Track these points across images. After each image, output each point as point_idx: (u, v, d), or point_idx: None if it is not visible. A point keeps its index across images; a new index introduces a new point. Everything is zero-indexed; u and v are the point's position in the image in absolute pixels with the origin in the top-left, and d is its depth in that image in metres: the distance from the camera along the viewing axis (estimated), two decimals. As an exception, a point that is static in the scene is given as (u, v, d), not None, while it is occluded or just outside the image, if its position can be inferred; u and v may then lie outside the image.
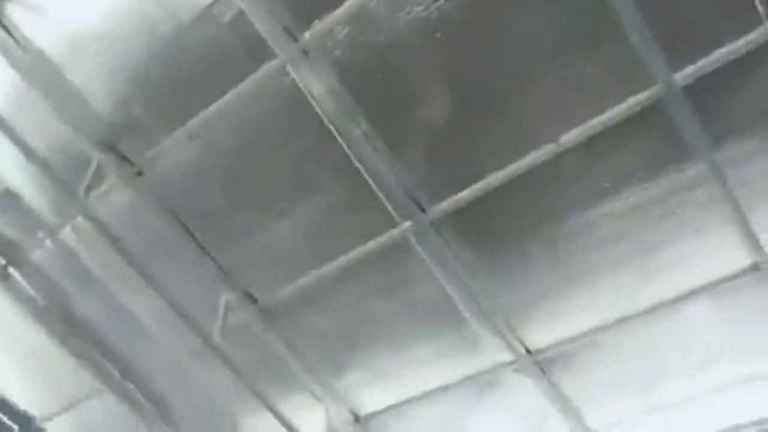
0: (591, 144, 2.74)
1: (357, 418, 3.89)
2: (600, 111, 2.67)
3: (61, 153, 3.24)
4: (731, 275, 2.97)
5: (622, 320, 3.20)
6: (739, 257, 2.91)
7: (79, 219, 3.34)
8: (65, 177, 3.27)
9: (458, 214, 3.03)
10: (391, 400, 3.76)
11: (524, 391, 3.57)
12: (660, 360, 3.33)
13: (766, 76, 2.51)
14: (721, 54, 2.47)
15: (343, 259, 3.29)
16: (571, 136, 2.74)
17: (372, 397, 3.79)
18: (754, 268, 2.92)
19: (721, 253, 2.93)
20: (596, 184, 2.87)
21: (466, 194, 2.96)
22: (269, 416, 3.69)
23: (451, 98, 2.75)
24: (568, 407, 3.54)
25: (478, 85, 2.70)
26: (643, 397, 3.50)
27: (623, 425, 3.57)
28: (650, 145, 2.74)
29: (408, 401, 3.74)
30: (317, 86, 2.79)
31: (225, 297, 3.55)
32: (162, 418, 4.02)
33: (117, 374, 3.88)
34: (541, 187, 2.92)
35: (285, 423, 3.71)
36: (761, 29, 2.41)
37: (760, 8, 2.39)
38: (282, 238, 3.34)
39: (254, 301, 3.56)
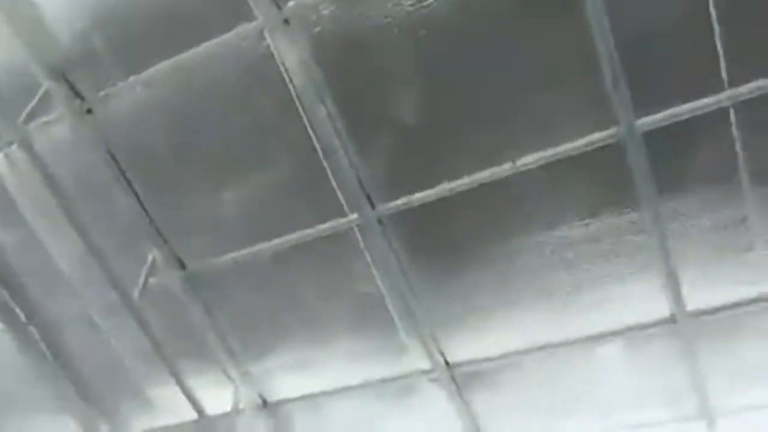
0: (547, 171, 2.80)
1: (265, 403, 3.82)
2: (561, 141, 2.73)
3: (8, 72, 3.05)
4: (649, 323, 3.10)
5: (543, 348, 3.28)
6: (659, 307, 3.04)
7: (14, 147, 3.14)
8: (8, 98, 3.08)
9: (407, 215, 3.03)
10: (305, 390, 3.72)
11: (436, 403, 3.60)
12: (570, 394, 3.44)
13: (717, 139, 2.64)
14: (683, 110, 2.58)
15: (283, 240, 3.23)
16: (530, 159, 2.79)
17: (286, 385, 3.73)
18: (672, 320, 3.05)
19: (643, 300, 3.05)
20: (545, 211, 2.93)
21: (419, 197, 2.97)
22: (176, 389, 3.57)
23: (422, 99, 2.76)
24: (473, 425, 3.59)
25: (452, 91, 2.72)
26: (547, 429, 3.59)
27: (523, 452, 3.65)
28: (601, 183, 2.83)
29: (321, 394, 3.70)
30: (291, 57, 2.73)
31: (152, 255, 3.41)
32: (62, 372, 3.82)
33: (22, 316, 3.66)
34: (492, 204, 2.96)
35: (191, 397, 3.60)
36: (722, 95, 2.54)
37: (725, 76, 2.52)
38: (223, 207, 3.24)
39: (182, 266, 3.44)
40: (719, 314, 3.00)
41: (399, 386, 3.58)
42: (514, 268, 3.08)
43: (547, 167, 2.78)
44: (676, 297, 2.97)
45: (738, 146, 2.64)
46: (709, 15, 2.40)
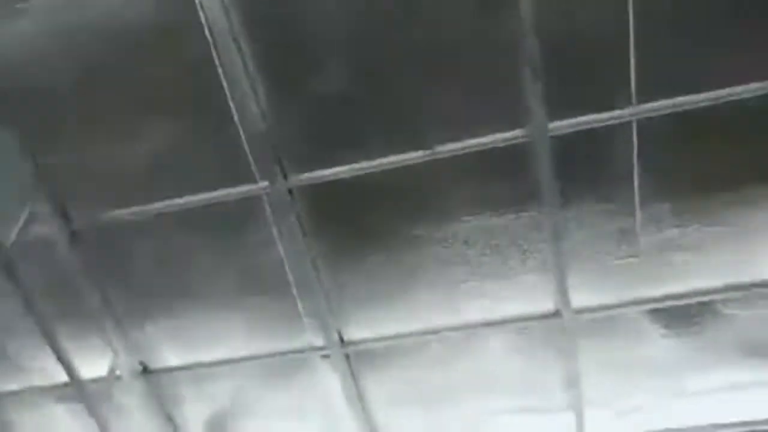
0: (459, 162, 2.86)
1: (146, 370, 3.63)
2: (476, 134, 2.79)
3: None
4: (535, 316, 3.27)
5: (436, 333, 3.37)
6: (547, 302, 3.21)
7: None
8: None
9: (319, 189, 2.98)
10: (191, 359, 3.57)
11: (325, 380, 3.59)
12: (457, 379, 3.56)
13: (618, 151, 2.81)
14: (592, 119, 2.72)
15: (184, 200, 3.06)
16: (446, 149, 2.83)
17: (171, 353, 3.56)
18: (557, 315, 3.24)
19: (533, 294, 3.21)
20: (452, 201, 2.99)
21: (333, 172, 2.92)
22: (49, 351, 3.29)
23: (349, 74, 2.70)
24: (360, 405, 3.63)
25: (380, 71, 2.69)
26: (430, 410, 3.71)
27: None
28: (507, 180, 2.92)
29: (208, 364, 3.57)
30: (212, 5, 2.55)
31: (33, 203, 3.11)
32: None
33: None
34: (403, 189, 2.97)
35: (63, 359, 3.33)
36: (629, 110, 2.70)
37: (634, 91, 2.68)
38: (121, 158, 3.00)
39: (66, 218, 3.17)
40: (600, 313, 3.23)
41: (289, 361, 3.54)
42: (417, 253, 3.12)
43: (460, 159, 2.83)
44: (563, 294, 3.16)
45: (635, 160, 2.83)
46: (628, 33, 2.53)
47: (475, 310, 3.30)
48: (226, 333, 3.47)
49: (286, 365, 3.58)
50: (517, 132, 2.76)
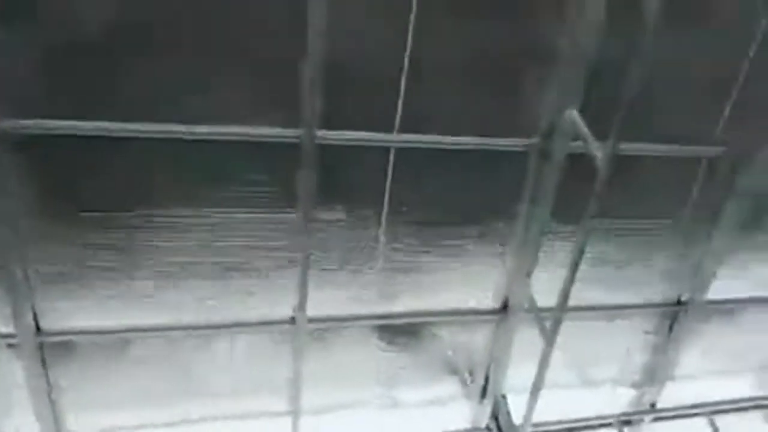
0: (220, 148, 2.65)
1: None
2: (243, 121, 2.62)
3: None
4: (271, 321, 3.19)
5: (157, 329, 3.05)
6: (285, 308, 3.14)
7: None
8: None
9: (44, 143, 2.47)
10: None
11: (9, 373, 2.99)
12: (180, 379, 3.27)
13: (375, 169, 2.91)
14: (355, 136, 2.78)
15: None
16: (203, 129, 2.60)
17: None
18: (292, 321, 3.19)
19: (274, 298, 3.13)
20: (199, 187, 2.75)
21: (63, 126, 2.45)
22: None
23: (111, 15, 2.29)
24: (48, 403, 3.10)
25: (152, 26, 2.35)
26: (141, 410, 3.34)
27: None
28: (267, 177, 2.80)
29: None
30: None
31: None
32: None
33: None
34: (144, 163, 2.64)
35: None
36: (392, 136, 2.81)
37: (399, 120, 2.79)
38: None
39: None
40: (331, 323, 3.28)
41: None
42: (150, 238, 2.81)
43: (222, 144, 2.64)
44: (302, 301, 3.12)
45: (388, 182, 2.96)
46: (402, 69, 2.65)
47: (212, 310, 3.09)
48: None
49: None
50: (288, 131, 2.66)
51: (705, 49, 2.93)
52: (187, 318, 3.07)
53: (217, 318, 3.11)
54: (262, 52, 2.50)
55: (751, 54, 2.99)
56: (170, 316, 3.05)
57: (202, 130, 2.59)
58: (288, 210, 2.89)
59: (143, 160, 2.62)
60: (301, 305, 3.11)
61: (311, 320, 3.20)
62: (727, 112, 3.15)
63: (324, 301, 3.19)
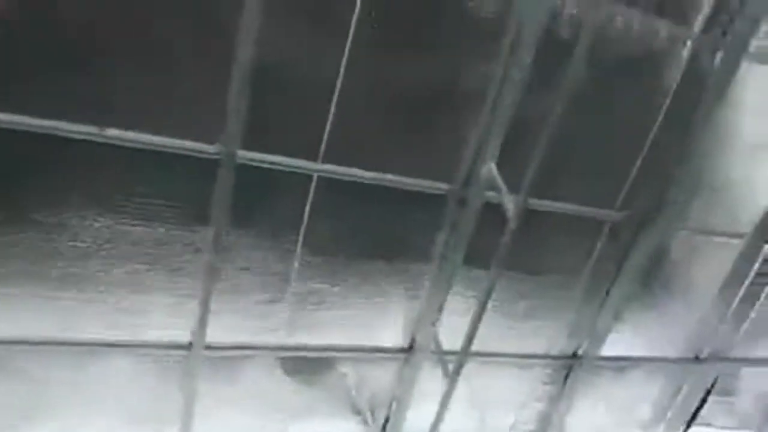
0: (135, 155, 2.52)
1: None
2: (162, 131, 2.52)
3: None
4: (166, 345, 3.02)
5: (44, 342, 2.81)
6: (182, 331, 2.98)
7: None
8: None
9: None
10: None
11: None
12: (56, 398, 3.00)
13: (295, 198, 2.86)
14: (280, 161, 2.73)
15: None
16: (119, 133, 2.47)
17: None
18: (188, 347, 3.03)
19: (171, 321, 2.97)
20: (103, 195, 2.61)
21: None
22: None
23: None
24: None
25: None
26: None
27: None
28: (184, 191, 2.69)
29: None
30: None
31: None
32: None
33: None
34: (58, 162, 2.48)
35: None
36: (314, 165, 2.79)
37: (323, 149, 2.77)
38: None
39: None
40: (231, 352, 3.14)
41: None
42: (50, 241, 2.61)
43: (139, 152, 2.52)
44: (201, 326, 2.97)
45: (307, 211, 2.91)
46: (332, 100, 2.65)
47: (102, 325, 2.87)
48: None
49: None
50: (208, 147, 2.58)
51: (619, 116, 3.13)
52: (73, 333, 2.85)
53: (109, 335, 2.91)
54: (194, 59, 2.43)
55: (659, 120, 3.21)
56: (57, 328, 2.82)
57: (117, 133, 2.46)
58: (197, 229, 2.77)
59: (59, 158, 2.47)
60: (201, 330, 2.96)
61: (209, 347, 3.05)
62: (633, 175, 3.36)
63: (229, 328, 3.06)
